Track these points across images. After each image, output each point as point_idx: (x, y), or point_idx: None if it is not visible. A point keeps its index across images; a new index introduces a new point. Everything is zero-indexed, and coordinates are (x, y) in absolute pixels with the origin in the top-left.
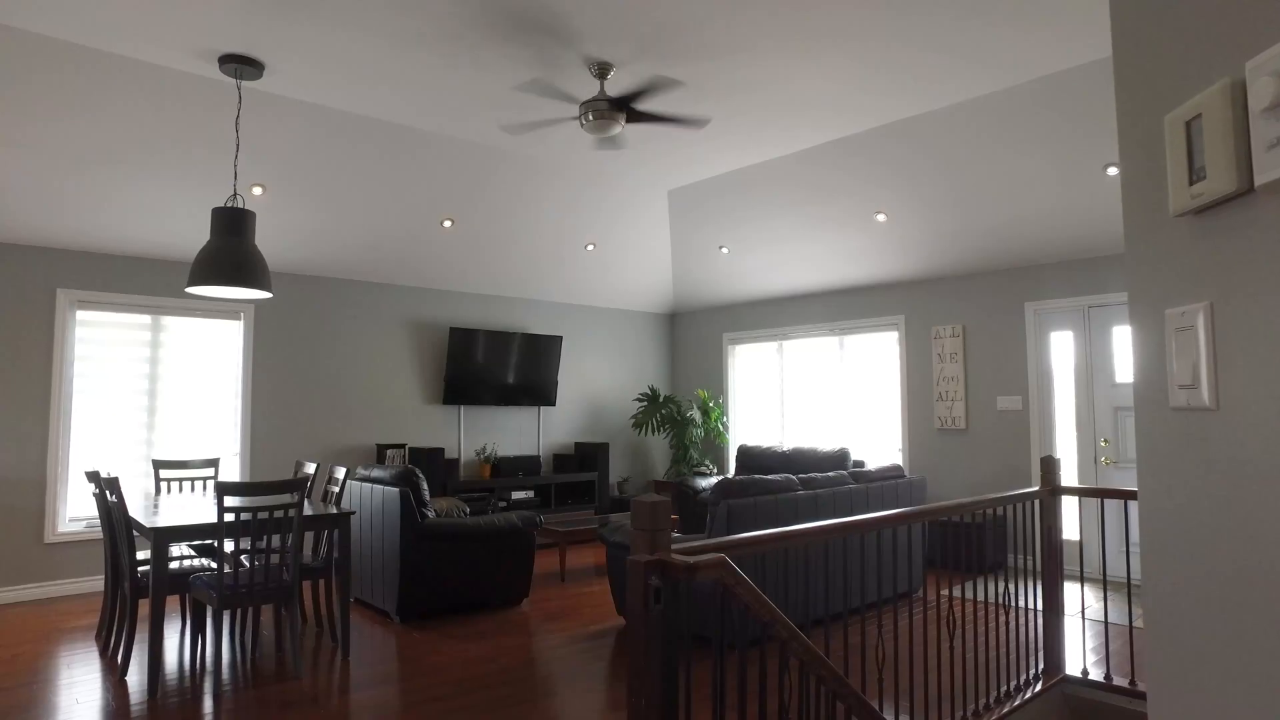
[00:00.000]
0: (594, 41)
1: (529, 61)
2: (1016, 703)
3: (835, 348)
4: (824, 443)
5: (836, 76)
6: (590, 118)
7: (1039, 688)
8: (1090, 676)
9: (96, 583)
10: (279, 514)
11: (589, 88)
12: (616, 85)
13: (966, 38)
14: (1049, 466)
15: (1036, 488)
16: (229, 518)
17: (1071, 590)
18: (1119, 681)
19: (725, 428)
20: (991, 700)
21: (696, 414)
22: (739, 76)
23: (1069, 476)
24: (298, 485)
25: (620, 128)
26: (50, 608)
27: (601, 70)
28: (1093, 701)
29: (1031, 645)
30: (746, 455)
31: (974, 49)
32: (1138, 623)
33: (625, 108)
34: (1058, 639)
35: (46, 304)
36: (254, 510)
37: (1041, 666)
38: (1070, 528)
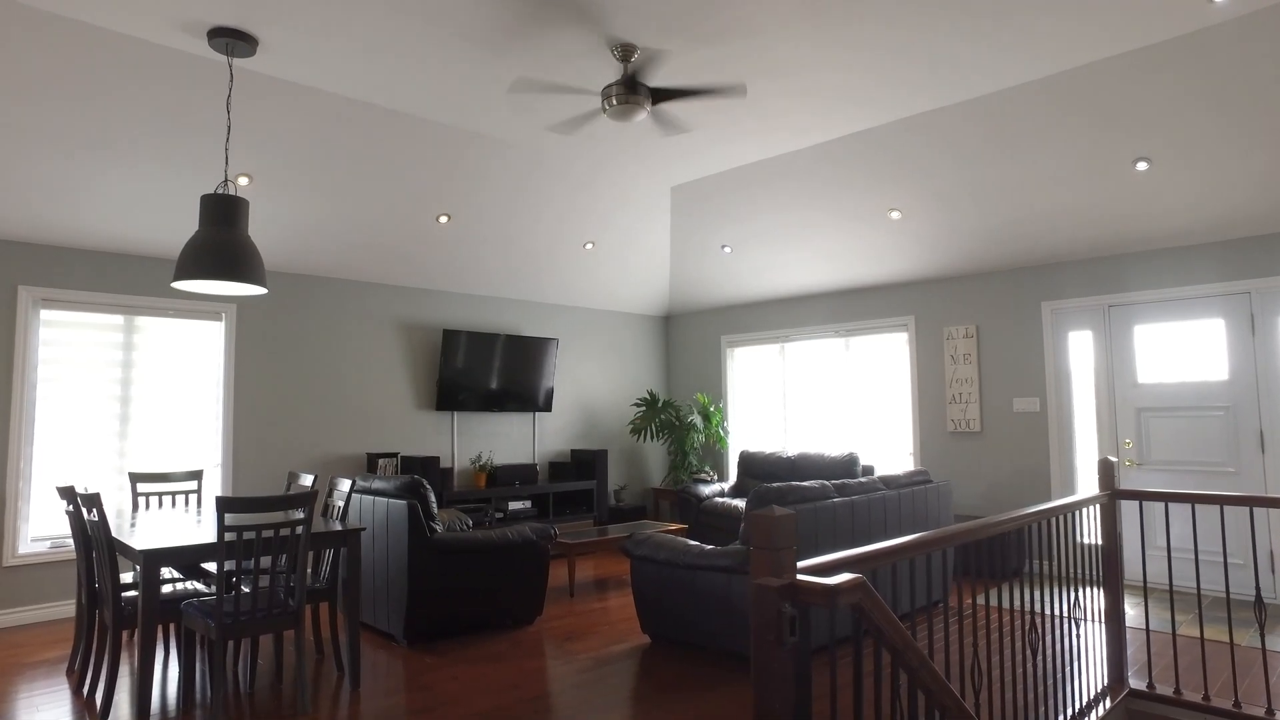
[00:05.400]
0: (616, 22)
1: (544, 44)
2: None
3: (841, 349)
4: (830, 447)
5: (864, 65)
6: (614, 102)
7: (1109, 704)
8: (1158, 690)
9: (65, 609)
10: (284, 532)
11: (611, 71)
12: (638, 68)
13: (1002, 26)
14: (1107, 469)
15: (1096, 492)
16: (229, 537)
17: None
18: (1190, 697)
19: (726, 432)
20: (1067, 718)
21: (697, 419)
22: (763, 63)
23: (1090, 479)
24: (306, 500)
25: (645, 112)
26: (10, 638)
27: (625, 53)
28: (1162, 718)
29: (1086, 657)
30: (749, 461)
31: (1010, 38)
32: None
33: (650, 90)
34: (1122, 651)
35: (7, 302)
36: (257, 528)
37: (1106, 681)
38: (1094, 532)
